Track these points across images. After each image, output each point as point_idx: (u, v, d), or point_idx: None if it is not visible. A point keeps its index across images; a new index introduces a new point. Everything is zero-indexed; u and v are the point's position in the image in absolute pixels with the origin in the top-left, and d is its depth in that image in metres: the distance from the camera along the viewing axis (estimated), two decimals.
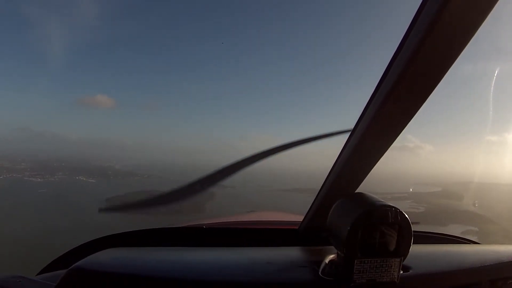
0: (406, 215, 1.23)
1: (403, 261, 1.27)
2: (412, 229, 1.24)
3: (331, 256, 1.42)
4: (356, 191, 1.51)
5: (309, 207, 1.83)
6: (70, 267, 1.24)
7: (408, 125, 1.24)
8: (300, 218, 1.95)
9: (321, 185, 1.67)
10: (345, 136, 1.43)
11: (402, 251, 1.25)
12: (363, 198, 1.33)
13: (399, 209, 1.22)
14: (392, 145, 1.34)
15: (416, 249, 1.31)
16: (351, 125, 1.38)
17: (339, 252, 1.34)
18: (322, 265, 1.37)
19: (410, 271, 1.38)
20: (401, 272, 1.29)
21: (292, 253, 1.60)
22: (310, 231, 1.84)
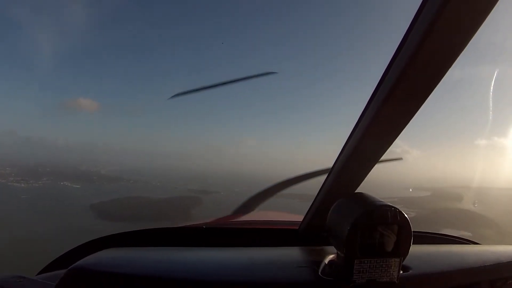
0: (406, 215, 1.24)
1: (402, 261, 1.28)
2: (412, 229, 1.26)
3: (331, 256, 1.43)
4: (356, 191, 1.52)
5: (306, 210, 1.84)
6: (70, 267, 1.24)
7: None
8: (300, 218, 1.96)
9: (313, 190, 1.69)
10: (344, 138, 1.45)
11: (401, 251, 1.26)
12: (363, 198, 1.34)
13: (398, 209, 1.23)
14: None
15: (416, 249, 1.32)
16: (349, 125, 1.40)
17: (339, 252, 1.35)
18: (322, 265, 1.38)
19: (410, 271, 1.39)
20: (401, 272, 1.30)
21: (292, 253, 1.61)
22: (310, 231, 1.86)
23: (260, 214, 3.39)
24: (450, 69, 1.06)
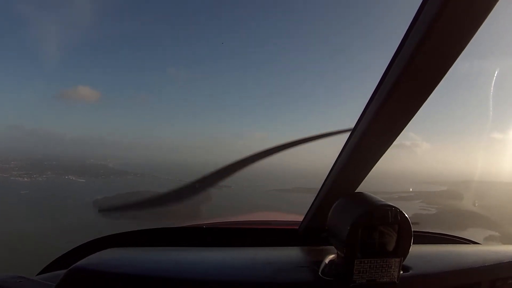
0: (406, 215, 1.26)
1: (403, 261, 1.30)
2: (412, 229, 1.29)
3: (331, 256, 1.46)
4: (356, 191, 1.55)
5: (309, 207, 1.88)
6: (70, 267, 1.29)
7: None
8: (300, 218, 2.00)
9: (322, 183, 1.71)
10: (345, 136, 1.48)
11: (402, 251, 1.29)
12: (363, 198, 1.37)
13: (399, 209, 1.26)
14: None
15: (416, 249, 1.35)
16: (351, 124, 1.43)
17: (339, 252, 1.38)
18: (322, 265, 1.42)
19: (410, 271, 1.42)
20: (401, 272, 1.33)
21: (292, 253, 1.64)
22: (310, 231, 1.89)
23: (260, 214, 3.41)
24: (456, 64, 1.09)
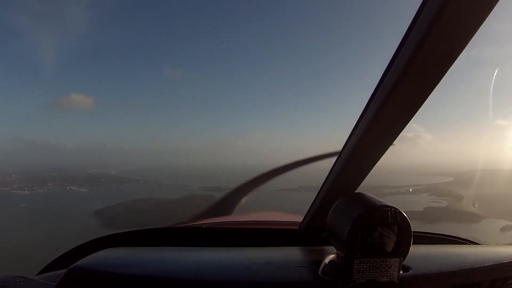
0: (406, 215, 1.26)
1: (402, 261, 1.30)
2: (412, 229, 1.29)
3: (331, 256, 1.47)
4: (356, 191, 1.56)
5: (309, 206, 1.89)
6: (70, 267, 1.31)
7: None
8: (300, 218, 2.02)
9: (322, 183, 1.72)
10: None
11: (401, 251, 1.29)
12: (363, 198, 1.37)
13: (398, 209, 1.26)
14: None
15: (416, 249, 1.35)
16: (351, 123, 1.44)
17: (339, 252, 1.37)
18: (322, 265, 1.43)
19: (410, 271, 1.42)
20: (401, 272, 1.33)
21: (292, 253, 1.65)
22: (310, 231, 1.90)
23: (260, 214, 3.43)
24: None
